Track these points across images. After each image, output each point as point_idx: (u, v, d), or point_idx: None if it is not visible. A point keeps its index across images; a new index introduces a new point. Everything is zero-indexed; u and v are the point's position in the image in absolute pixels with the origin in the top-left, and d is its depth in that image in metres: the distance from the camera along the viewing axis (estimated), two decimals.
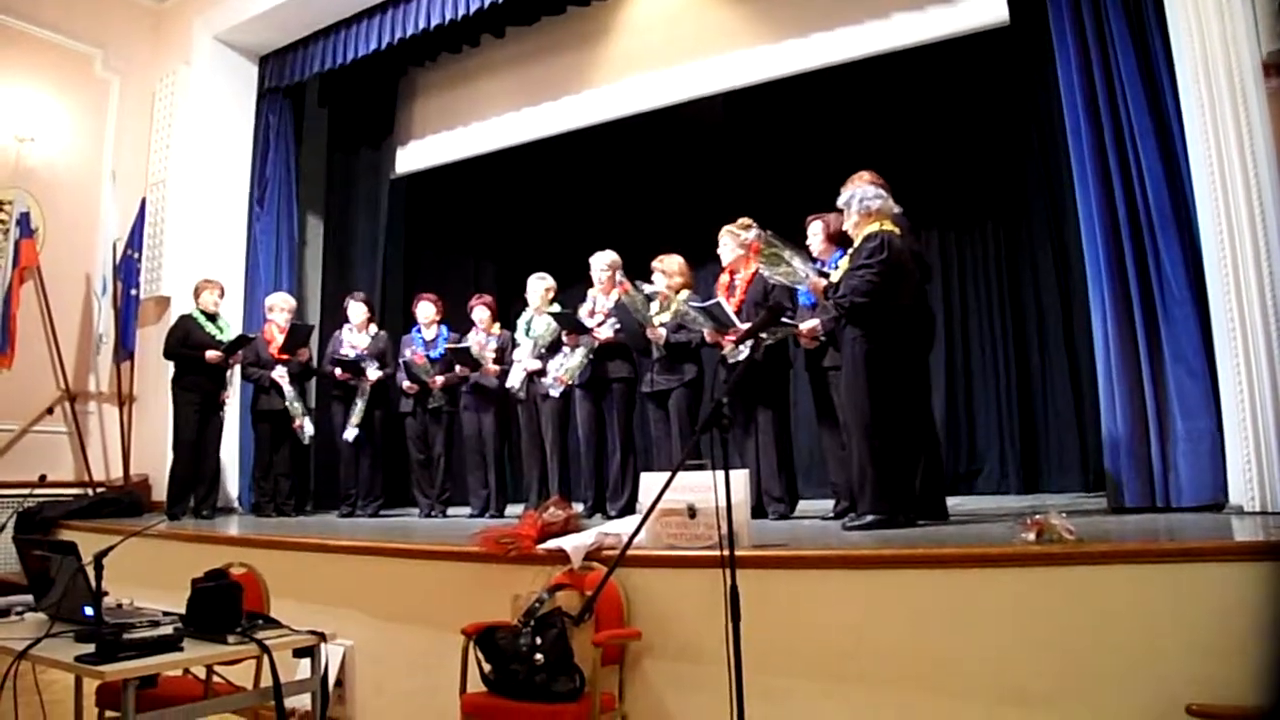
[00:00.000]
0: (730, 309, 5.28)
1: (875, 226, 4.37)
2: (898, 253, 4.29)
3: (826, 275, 4.65)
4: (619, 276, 5.79)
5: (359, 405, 7.10)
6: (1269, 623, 2.52)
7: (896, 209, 4.59)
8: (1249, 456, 3.98)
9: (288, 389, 7.06)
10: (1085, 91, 4.82)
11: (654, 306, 5.74)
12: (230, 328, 7.31)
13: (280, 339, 7.20)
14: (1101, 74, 4.77)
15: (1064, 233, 6.48)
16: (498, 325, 6.98)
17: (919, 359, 4.66)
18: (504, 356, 6.75)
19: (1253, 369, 3.99)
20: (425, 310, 7.19)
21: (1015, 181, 7.11)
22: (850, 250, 4.50)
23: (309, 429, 7.16)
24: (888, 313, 4.28)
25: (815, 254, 5.17)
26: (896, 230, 4.40)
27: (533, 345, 6.46)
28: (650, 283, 5.80)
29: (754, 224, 5.46)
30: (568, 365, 6.08)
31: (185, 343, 6.96)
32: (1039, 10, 5.27)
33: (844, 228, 4.65)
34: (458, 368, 6.85)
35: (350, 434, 7.08)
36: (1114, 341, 4.60)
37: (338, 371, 7.11)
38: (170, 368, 7.08)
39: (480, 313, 6.98)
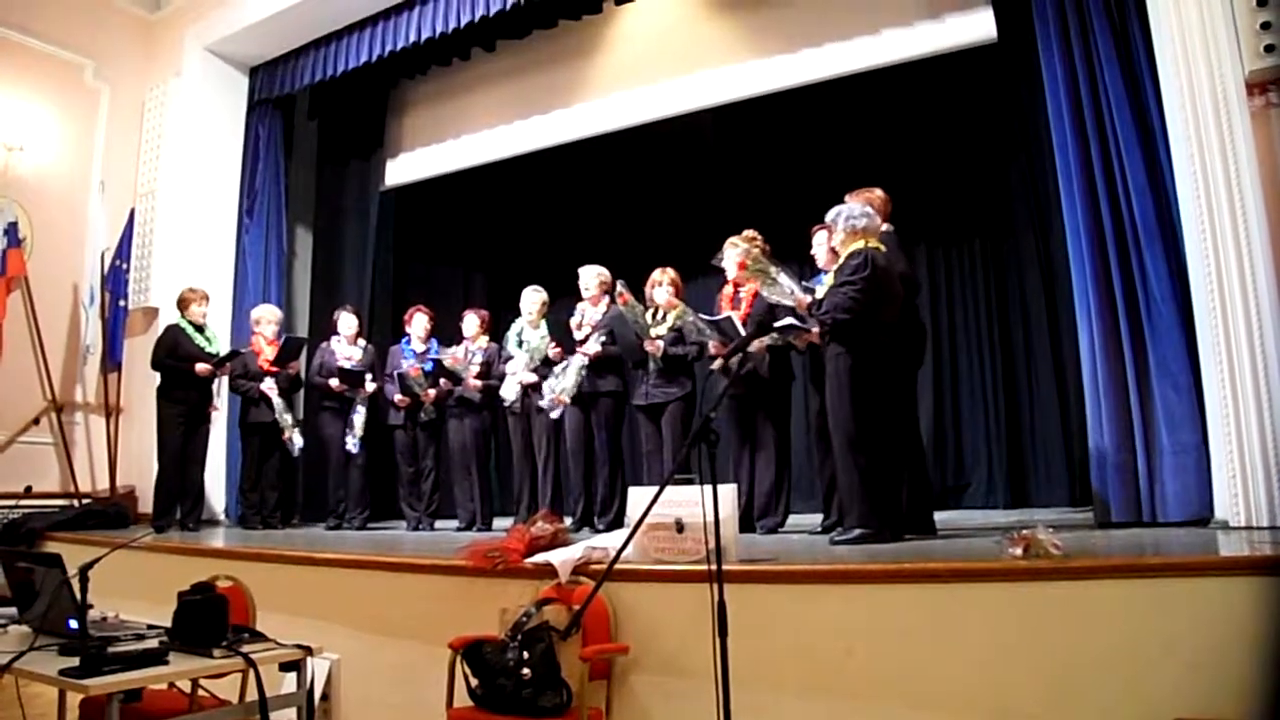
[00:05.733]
0: (739, 322, 5.29)
1: (860, 244, 4.39)
2: (881, 270, 4.32)
3: (812, 292, 4.67)
4: (620, 288, 5.81)
5: (360, 417, 7.09)
6: (1268, 638, 2.55)
7: (884, 227, 4.62)
8: (1234, 471, 3.99)
9: (277, 401, 7.03)
10: (1072, 107, 4.86)
11: (648, 319, 5.76)
12: (218, 338, 7.27)
13: (269, 351, 7.17)
14: (1088, 91, 4.81)
15: (1050, 247, 6.51)
16: (485, 338, 6.97)
17: (905, 375, 4.69)
18: (490, 370, 6.74)
19: (1237, 384, 4.01)
20: (420, 323, 7.17)
21: (1002, 197, 7.15)
22: (835, 267, 4.52)
23: (299, 441, 7.14)
24: (871, 330, 4.30)
25: (821, 264, 5.16)
26: (881, 248, 4.42)
27: (528, 358, 6.42)
28: (650, 292, 5.86)
29: (758, 236, 5.48)
30: (563, 385, 6.03)
31: (173, 354, 6.89)
32: (1026, 27, 5.32)
33: (831, 244, 4.67)
34: (442, 381, 6.83)
35: (354, 445, 7.07)
36: (1100, 356, 4.63)
37: (333, 383, 7.07)
38: (157, 378, 7.03)
39: (468, 324, 6.97)
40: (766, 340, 5.07)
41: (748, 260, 4.94)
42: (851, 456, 4.27)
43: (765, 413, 5.39)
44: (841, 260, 4.45)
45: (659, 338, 5.68)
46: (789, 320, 4.65)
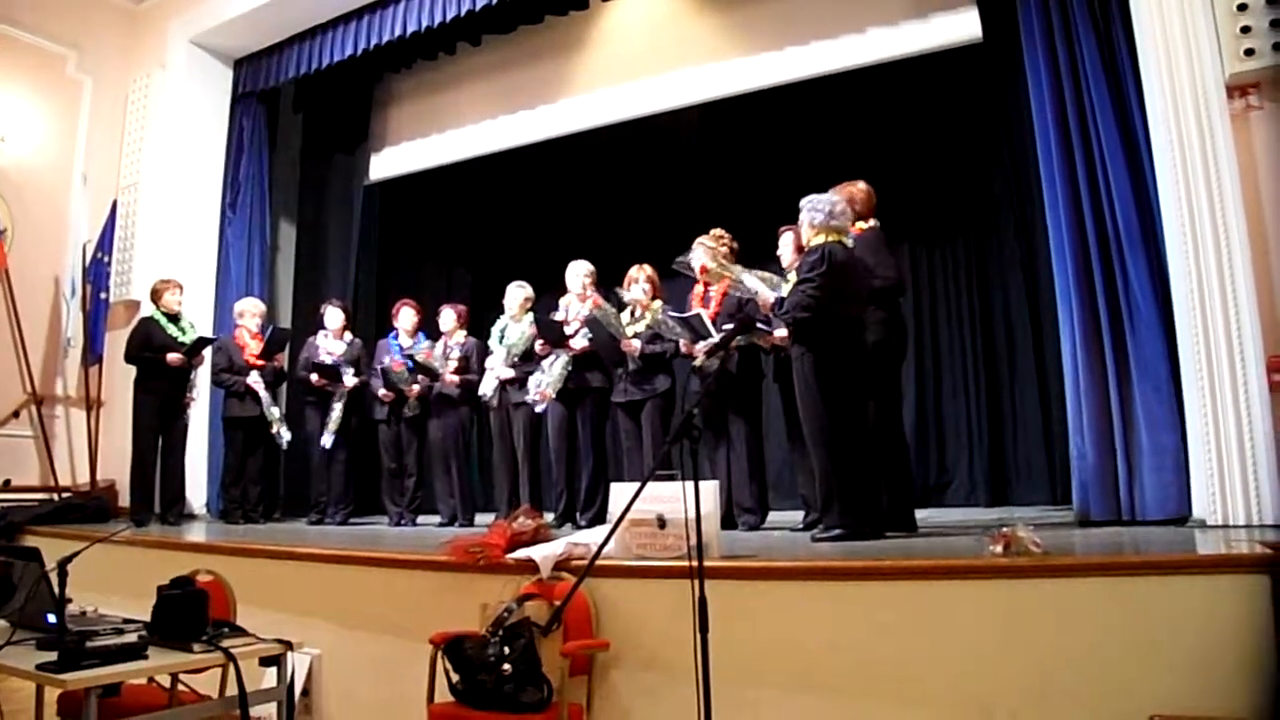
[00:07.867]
0: (708, 320, 5.29)
1: (821, 239, 4.39)
2: (840, 264, 4.29)
3: (778, 287, 4.67)
4: (589, 291, 5.79)
5: (336, 412, 7.06)
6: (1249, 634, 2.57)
7: (870, 223, 4.63)
8: (1212, 471, 4.04)
9: (264, 395, 7.02)
10: (1055, 109, 4.88)
11: (625, 317, 5.76)
12: (194, 328, 7.19)
13: (253, 344, 7.14)
14: (1072, 92, 4.84)
15: (1034, 247, 6.53)
16: (463, 332, 6.96)
17: (887, 371, 4.70)
18: (470, 365, 6.72)
19: (1216, 386, 4.06)
20: (407, 317, 7.14)
21: (986, 197, 7.17)
22: (796, 265, 4.52)
23: (287, 434, 7.12)
24: (833, 325, 4.30)
25: (785, 265, 5.18)
26: (846, 242, 4.43)
27: (506, 353, 6.42)
28: (625, 291, 5.86)
29: (725, 234, 5.50)
30: (548, 380, 6.02)
31: (146, 346, 6.82)
32: (1011, 28, 5.35)
33: (800, 230, 4.68)
34: (420, 377, 6.81)
35: (328, 440, 7.04)
36: (1082, 357, 4.66)
37: (314, 377, 7.06)
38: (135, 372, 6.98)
39: (445, 319, 6.96)
40: (734, 341, 5.09)
41: (709, 264, 4.96)
42: (824, 454, 4.27)
43: (735, 410, 5.38)
44: (802, 257, 4.46)
45: (635, 335, 5.68)
46: (758, 327, 4.66)
